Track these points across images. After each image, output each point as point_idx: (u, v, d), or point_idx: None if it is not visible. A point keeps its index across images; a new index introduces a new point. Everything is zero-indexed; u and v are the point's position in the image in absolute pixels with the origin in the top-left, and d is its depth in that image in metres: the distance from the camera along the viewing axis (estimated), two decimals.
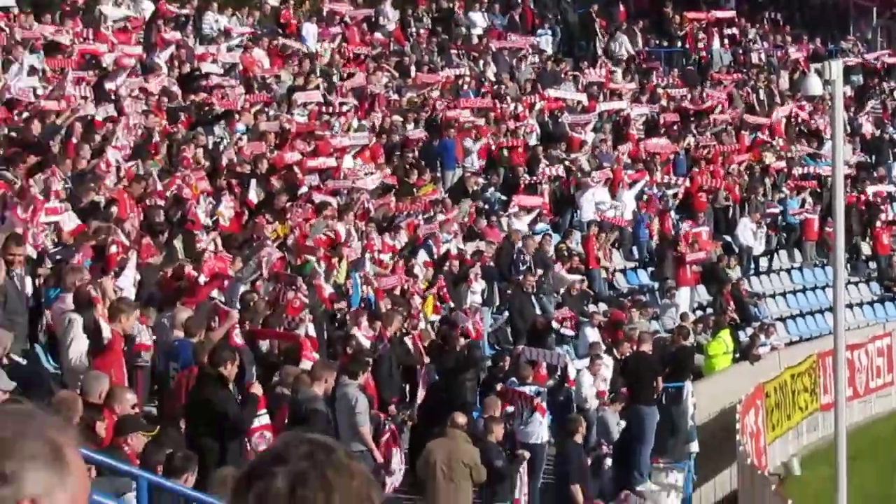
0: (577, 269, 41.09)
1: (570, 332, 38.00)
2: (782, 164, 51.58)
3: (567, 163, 46.30)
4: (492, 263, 39.44)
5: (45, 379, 19.37)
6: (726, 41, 60.57)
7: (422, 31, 56.62)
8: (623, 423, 33.16)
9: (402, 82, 49.95)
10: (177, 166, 35.06)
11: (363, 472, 4.87)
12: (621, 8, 61.34)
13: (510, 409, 30.11)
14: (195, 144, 37.10)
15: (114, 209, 28.51)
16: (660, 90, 54.27)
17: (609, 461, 31.61)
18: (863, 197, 49.73)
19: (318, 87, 45.91)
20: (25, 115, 33.16)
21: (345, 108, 45.05)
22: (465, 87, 50.72)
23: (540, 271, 39.51)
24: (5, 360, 18.30)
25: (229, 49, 46.94)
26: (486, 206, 44.01)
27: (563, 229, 43.53)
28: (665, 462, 33.79)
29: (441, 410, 28.04)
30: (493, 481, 27.71)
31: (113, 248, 25.84)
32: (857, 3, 65.38)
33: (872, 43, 62.23)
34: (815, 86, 48.74)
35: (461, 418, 27.04)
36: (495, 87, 51.45)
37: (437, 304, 35.87)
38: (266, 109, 42.58)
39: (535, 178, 45.29)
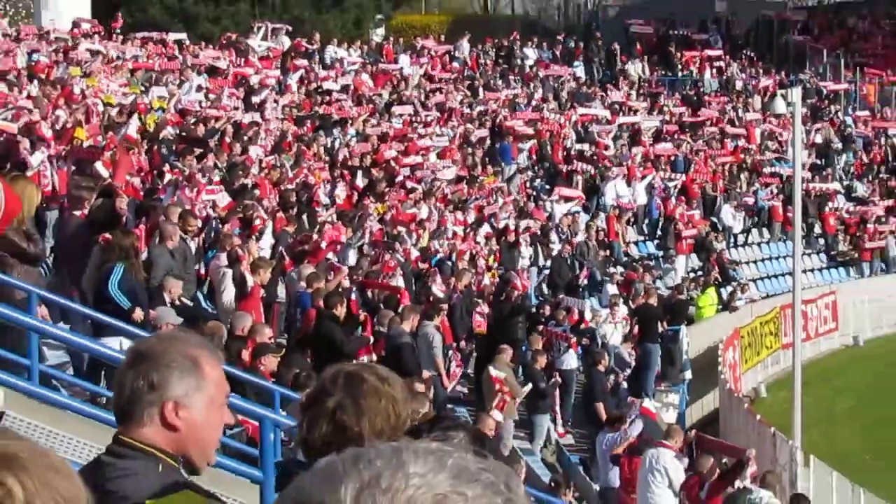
0: (601, 241, 41.15)
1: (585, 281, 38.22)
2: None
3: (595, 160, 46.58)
4: (538, 233, 39.57)
5: (205, 317, 19.42)
6: (715, 72, 60.67)
7: (488, 61, 56.71)
8: (634, 356, 33.34)
9: (473, 99, 50.03)
10: (303, 160, 35.27)
11: (391, 393, 5.23)
12: (637, 46, 61.14)
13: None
14: (318, 144, 37.32)
15: (256, 191, 28.68)
16: (665, 108, 54.35)
17: (624, 384, 31.61)
18: (815, 189, 49.83)
19: (409, 102, 46.09)
20: (193, 120, 33.32)
21: (429, 119, 45.16)
22: (520, 103, 50.87)
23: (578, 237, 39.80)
24: (177, 302, 18.40)
25: (344, 73, 47.08)
26: (534, 193, 44.12)
27: (591, 211, 43.50)
28: (665, 386, 33.80)
29: (499, 345, 28.23)
30: (538, 398, 27.95)
31: (256, 221, 26.05)
32: (811, 45, 65.21)
33: (823, 75, 62.21)
34: (780, 106, 48.53)
35: (504, 346, 27.35)
36: (542, 103, 51.52)
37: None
38: (371, 118, 42.67)
39: (570, 166, 45.35)
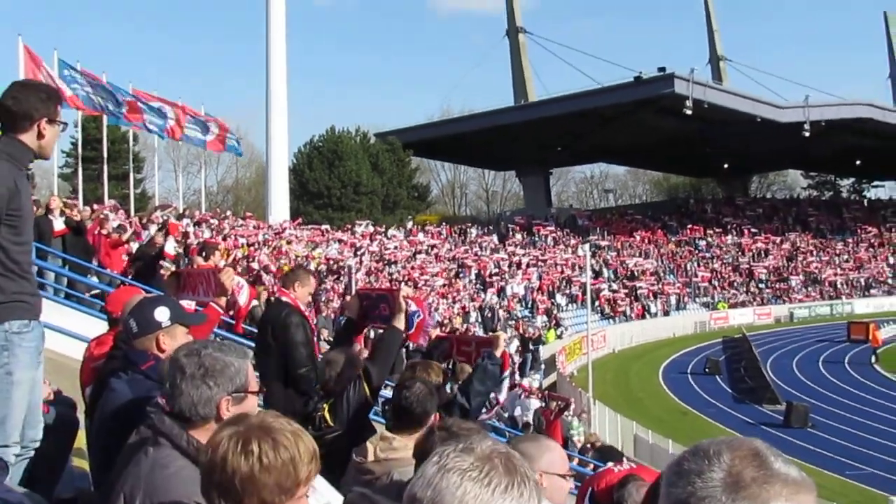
0: (506, 309, 41.00)
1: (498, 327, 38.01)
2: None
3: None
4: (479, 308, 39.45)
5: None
6: (551, 237, 60.49)
7: (455, 234, 56.38)
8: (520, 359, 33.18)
9: (450, 251, 49.96)
10: (380, 279, 35.19)
11: (430, 372, 4.75)
12: (518, 226, 60.68)
13: None
14: (386, 271, 37.21)
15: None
16: (529, 252, 54.20)
17: (516, 372, 31.41)
18: (594, 286, 49.83)
19: (422, 253, 46.08)
20: (332, 262, 33.17)
21: (430, 259, 45.17)
22: (470, 252, 50.84)
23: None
24: (328, 339, 18.11)
25: (395, 240, 47.02)
26: (476, 290, 43.93)
27: (501, 297, 43.27)
28: (533, 371, 33.46)
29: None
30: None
31: None
32: (592, 226, 65.29)
33: (599, 238, 62.27)
34: (580, 251, 48.66)
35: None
36: (480, 252, 51.53)
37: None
38: (408, 260, 42.68)
39: (491, 279, 45.22)
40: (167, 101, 27.75)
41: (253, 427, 2.16)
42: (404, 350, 15.74)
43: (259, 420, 2.19)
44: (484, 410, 5.57)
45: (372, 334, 9.42)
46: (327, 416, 4.48)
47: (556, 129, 62.06)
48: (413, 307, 5.29)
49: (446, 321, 32.51)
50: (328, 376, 4.83)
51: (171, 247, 13.50)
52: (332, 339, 18.62)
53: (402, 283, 35.52)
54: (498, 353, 5.57)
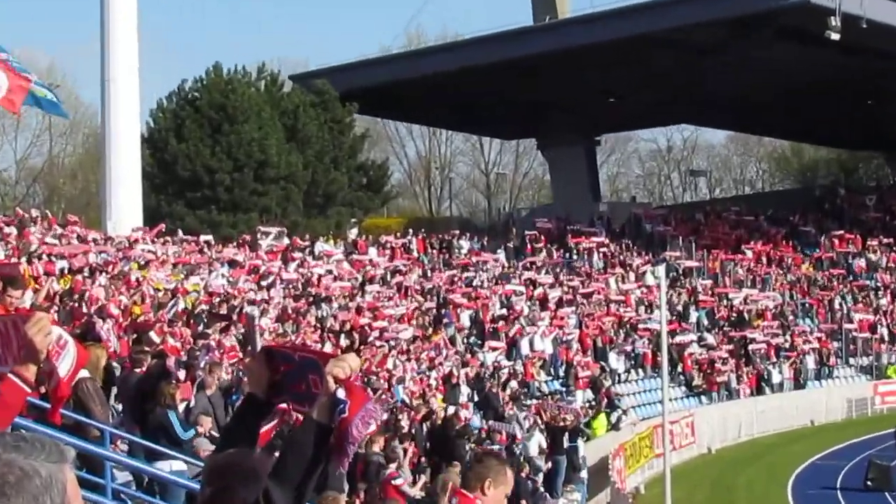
0: (521, 380, 41.23)
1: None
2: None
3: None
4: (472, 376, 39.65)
5: None
6: (601, 254, 60.79)
7: (433, 250, 56.90)
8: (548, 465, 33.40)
9: (423, 279, 50.26)
10: (301, 327, 35.50)
11: None
12: (543, 238, 61.26)
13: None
14: (311, 315, 37.50)
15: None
16: (565, 282, 54.53)
17: (541, 486, 31.63)
18: (675, 339, 49.97)
19: (377, 282, 46.46)
20: (219, 299, 33.50)
21: (392, 294, 45.51)
22: (459, 280, 51.16)
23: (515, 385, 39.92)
24: (209, 434, 18.25)
25: (329, 262, 47.29)
26: (470, 346, 44.18)
27: (512, 358, 43.55)
28: (570, 487, 33.79)
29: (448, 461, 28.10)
30: None
31: None
32: (671, 234, 65.85)
33: (680, 255, 62.68)
34: (649, 278, 48.96)
35: (455, 462, 27.21)
36: (475, 280, 51.81)
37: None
38: (349, 295, 42.95)
39: (495, 325, 45.58)
40: None
41: None
42: None
43: None
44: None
45: None
46: None
47: (605, 68, 62.47)
48: (341, 392, 4.96)
49: (418, 400, 32.63)
50: (210, 496, 4.77)
51: None
52: (219, 435, 18.80)
53: (355, 344, 35.74)
54: None
